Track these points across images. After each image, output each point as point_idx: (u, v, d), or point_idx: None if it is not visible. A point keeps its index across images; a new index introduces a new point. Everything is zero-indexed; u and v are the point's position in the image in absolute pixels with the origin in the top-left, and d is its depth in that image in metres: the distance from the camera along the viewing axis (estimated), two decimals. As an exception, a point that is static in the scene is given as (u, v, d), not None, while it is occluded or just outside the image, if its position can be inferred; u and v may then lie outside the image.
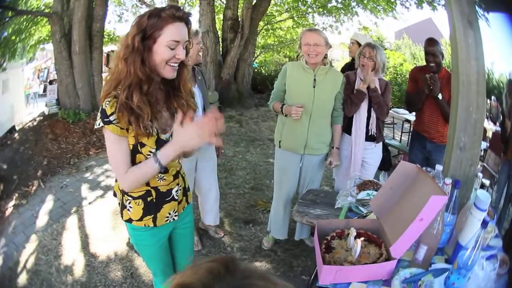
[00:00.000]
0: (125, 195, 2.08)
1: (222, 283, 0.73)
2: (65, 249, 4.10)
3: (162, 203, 2.14)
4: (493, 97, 3.53)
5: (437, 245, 1.89)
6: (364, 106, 3.75)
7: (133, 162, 1.95)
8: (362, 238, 2.00)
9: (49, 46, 7.49)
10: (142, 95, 1.81)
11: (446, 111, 3.69)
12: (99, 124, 1.83)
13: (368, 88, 3.63)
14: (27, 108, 7.33)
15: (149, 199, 2.09)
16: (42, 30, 7.42)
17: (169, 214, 2.19)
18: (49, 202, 5.14)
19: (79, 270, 3.75)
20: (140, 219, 2.11)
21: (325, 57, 3.46)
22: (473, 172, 2.40)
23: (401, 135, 8.01)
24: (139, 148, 1.92)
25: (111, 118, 1.79)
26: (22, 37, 7.11)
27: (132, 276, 3.66)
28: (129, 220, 2.13)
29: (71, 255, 4.00)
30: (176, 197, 2.19)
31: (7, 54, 6.74)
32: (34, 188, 5.51)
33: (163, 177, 2.09)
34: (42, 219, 4.72)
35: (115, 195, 2.21)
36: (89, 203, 5.09)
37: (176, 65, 1.89)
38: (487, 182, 2.26)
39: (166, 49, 1.80)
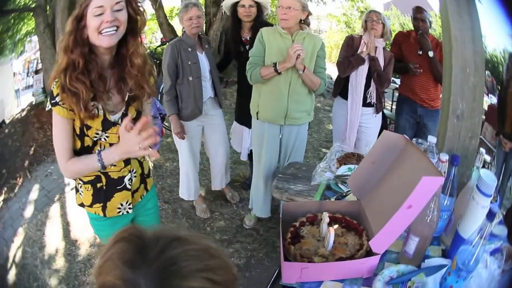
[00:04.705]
0: (77, 179, 1.99)
1: (143, 270, 0.69)
2: (49, 239, 3.89)
3: (113, 191, 2.00)
4: (487, 72, 3.27)
5: (431, 236, 1.47)
6: (362, 72, 3.57)
7: (82, 145, 1.85)
8: (337, 226, 1.60)
9: (36, 38, 7.30)
10: (75, 72, 1.68)
11: (439, 70, 3.60)
12: (48, 106, 1.77)
13: (368, 56, 3.50)
14: (16, 101, 7.11)
15: (98, 185, 1.98)
16: (29, 23, 7.20)
17: (121, 205, 2.05)
18: (34, 192, 4.92)
19: (60, 260, 3.57)
20: (90, 206, 2.00)
21: (303, 22, 3.11)
22: (474, 145, 1.95)
23: (391, 104, 7.64)
24: (85, 130, 1.81)
25: (57, 99, 1.70)
26: (10, 34, 6.95)
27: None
28: (82, 205, 2.04)
29: (54, 245, 3.79)
30: (128, 186, 2.04)
31: (-5, 52, 6.72)
32: (21, 179, 5.31)
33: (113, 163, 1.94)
34: (28, 211, 4.49)
35: None
36: (71, 189, 4.75)
37: (111, 30, 1.68)
38: (488, 157, 1.84)
39: (93, 18, 1.66)
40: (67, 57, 1.67)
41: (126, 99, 1.87)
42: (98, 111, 1.77)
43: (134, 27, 1.76)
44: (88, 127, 1.79)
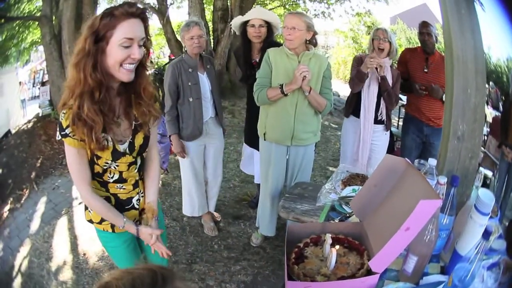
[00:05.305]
0: (78, 191, 1.94)
1: None
2: (56, 251, 3.92)
3: (122, 211, 2.00)
4: (491, 83, 3.26)
5: (430, 255, 1.52)
6: (374, 90, 3.62)
7: (92, 172, 1.87)
8: (338, 246, 1.63)
9: (42, 47, 7.24)
10: (93, 104, 1.65)
11: None
12: (58, 137, 1.73)
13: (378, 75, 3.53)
14: (22, 112, 7.13)
15: None
16: (35, 32, 7.18)
17: None
18: (41, 205, 4.93)
19: (68, 272, 3.60)
20: (99, 223, 2.03)
21: (309, 42, 3.09)
22: (474, 165, 1.99)
23: (398, 121, 7.61)
24: (95, 159, 1.83)
25: (67, 131, 1.68)
26: (14, 42, 6.92)
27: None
28: (90, 221, 2.07)
29: (62, 257, 3.82)
30: (136, 206, 2.09)
31: (0, 60, 6.56)
32: (27, 191, 5.30)
33: (122, 186, 2.00)
34: (35, 222, 4.52)
35: None
36: (79, 203, 4.81)
37: (132, 66, 1.69)
38: (489, 173, 1.88)
39: (119, 48, 1.62)
40: (84, 83, 1.61)
41: (133, 126, 1.89)
42: (107, 143, 1.78)
43: (143, 58, 1.76)
44: (98, 157, 1.81)
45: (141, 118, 1.90)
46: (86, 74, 1.60)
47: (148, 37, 1.73)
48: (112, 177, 1.93)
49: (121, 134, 1.87)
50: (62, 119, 1.67)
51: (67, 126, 1.66)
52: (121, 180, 1.96)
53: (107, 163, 1.85)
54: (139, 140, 1.94)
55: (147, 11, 1.71)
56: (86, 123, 1.65)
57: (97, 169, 1.87)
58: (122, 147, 1.86)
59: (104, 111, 1.71)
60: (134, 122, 1.89)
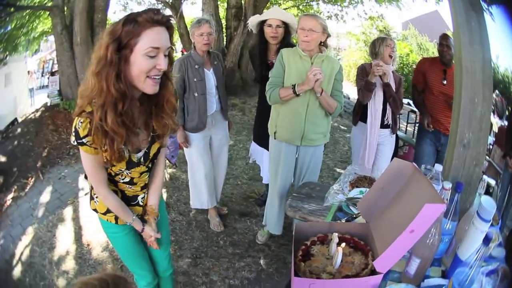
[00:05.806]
0: (94, 189, 2.00)
1: None
2: (59, 241, 3.96)
3: (127, 205, 2.05)
4: (496, 91, 3.28)
5: (432, 258, 1.57)
6: (379, 97, 3.74)
7: None
8: (344, 244, 1.69)
9: (53, 38, 7.22)
10: (116, 115, 1.60)
11: None
12: (74, 142, 1.68)
13: (382, 82, 3.65)
14: (30, 100, 7.17)
15: None
16: (46, 22, 7.21)
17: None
18: (46, 194, 4.98)
19: (70, 263, 3.63)
20: (104, 214, 2.06)
21: (322, 44, 3.12)
22: (478, 173, 2.03)
23: (406, 126, 7.66)
24: (109, 166, 1.86)
25: (84, 140, 1.64)
26: (24, 31, 6.93)
27: (122, 269, 3.44)
28: (95, 210, 2.10)
29: (65, 247, 3.86)
30: (141, 203, 2.13)
31: (9, 48, 6.62)
32: (32, 180, 5.35)
33: (131, 186, 2.04)
34: (39, 211, 4.57)
35: (86, 177, 1.98)
36: (85, 194, 4.87)
37: (158, 77, 1.65)
38: (492, 182, 1.92)
39: (144, 58, 1.56)
40: (106, 93, 1.56)
41: (150, 136, 1.90)
42: (124, 153, 1.78)
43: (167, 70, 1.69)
44: (113, 165, 1.84)
45: (160, 130, 1.89)
46: (109, 84, 1.54)
47: (172, 46, 1.69)
48: (123, 179, 1.97)
49: (138, 144, 1.87)
50: (79, 127, 1.62)
51: (85, 136, 1.62)
52: (131, 183, 2.01)
53: (121, 170, 1.88)
54: (154, 150, 1.96)
55: (172, 18, 1.68)
56: (108, 135, 1.62)
57: (110, 171, 1.91)
58: (136, 156, 1.87)
59: (126, 123, 1.66)
60: (152, 133, 1.89)
